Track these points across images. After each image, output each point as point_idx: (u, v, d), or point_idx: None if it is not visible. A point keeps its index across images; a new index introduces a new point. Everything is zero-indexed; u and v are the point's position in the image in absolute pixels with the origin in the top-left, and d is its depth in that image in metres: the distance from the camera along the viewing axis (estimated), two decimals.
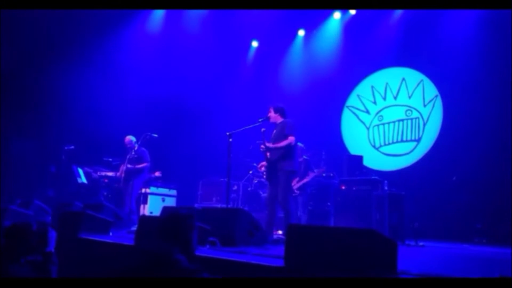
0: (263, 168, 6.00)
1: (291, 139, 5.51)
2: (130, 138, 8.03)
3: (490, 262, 4.31)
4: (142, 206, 8.23)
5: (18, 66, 8.61)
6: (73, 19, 8.60)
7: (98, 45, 9.18)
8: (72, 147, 8.54)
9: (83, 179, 8.55)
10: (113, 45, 9.44)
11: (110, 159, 8.63)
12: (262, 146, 5.67)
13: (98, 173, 8.67)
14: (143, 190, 8.41)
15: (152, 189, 8.49)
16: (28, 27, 8.44)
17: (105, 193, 8.59)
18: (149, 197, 8.41)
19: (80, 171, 8.58)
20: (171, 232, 2.34)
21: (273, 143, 5.66)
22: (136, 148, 7.82)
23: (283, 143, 5.52)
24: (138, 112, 9.42)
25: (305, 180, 7.52)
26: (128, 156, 7.79)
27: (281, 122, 5.79)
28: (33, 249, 2.91)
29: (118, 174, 8.07)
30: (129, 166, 7.70)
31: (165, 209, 5.46)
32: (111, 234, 5.12)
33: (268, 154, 5.66)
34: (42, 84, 8.79)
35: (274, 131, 5.82)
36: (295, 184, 7.57)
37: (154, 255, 2.20)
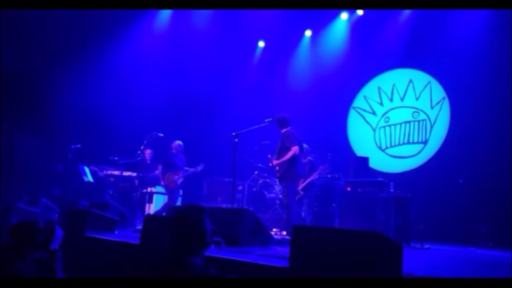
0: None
1: (294, 149, 5.90)
2: (180, 143, 8.32)
3: (495, 265, 4.28)
4: (147, 205, 8.27)
5: (25, 66, 8.67)
6: (78, 19, 8.64)
7: (104, 44, 9.22)
8: (79, 145, 8.59)
9: (89, 178, 8.60)
10: (120, 44, 9.48)
11: (116, 158, 8.67)
12: (270, 163, 6.30)
13: (104, 172, 8.72)
14: (149, 189, 8.45)
15: (158, 189, 8.52)
16: (34, 27, 8.49)
17: (111, 192, 8.64)
18: (155, 196, 8.44)
19: (86, 169, 8.63)
20: (186, 232, 2.21)
21: (277, 155, 6.09)
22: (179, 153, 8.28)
23: (287, 156, 5.91)
24: (144, 111, 9.46)
25: (308, 180, 7.49)
26: (176, 161, 8.20)
27: (281, 134, 6.14)
28: (39, 246, 2.93)
29: (174, 179, 8.17)
30: (190, 169, 8.25)
31: (170, 208, 5.48)
32: (116, 232, 5.14)
33: (277, 167, 6.13)
34: (48, 83, 8.85)
35: (279, 142, 6.23)
36: (299, 185, 7.58)
37: (167, 257, 2.15)
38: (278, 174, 6.16)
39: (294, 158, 5.92)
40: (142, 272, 2.10)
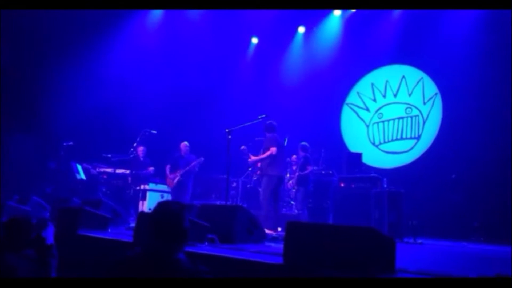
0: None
1: (272, 150, 6.37)
2: (186, 143, 8.34)
3: (487, 260, 4.31)
4: (141, 202, 8.23)
5: (18, 63, 8.58)
6: (73, 17, 8.56)
7: (97, 42, 9.15)
8: (71, 143, 8.53)
9: (81, 175, 8.55)
10: (112, 42, 9.41)
11: (109, 155, 8.63)
12: (249, 159, 6.87)
13: (97, 170, 8.67)
14: (142, 187, 8.41)
15: (151, 186, 8.49)
16: (28, 25, 8.40)
17: (103, 190, 8.59)
18: (148, 193, 8.39)
19: (79, 167, 8.58)
20: (165, 228, 2.10)
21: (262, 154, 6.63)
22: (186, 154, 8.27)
23: (265, 155, 6.45)
24: (137, 109, 9.40)
25: (297, 174, 7.54)
26: (180, 162, 8.18)
27: (266, 137, 6.62)
28: (31, 243, 2.89)
29: (173, 178, 8.16)
30: (186, 168, 8.14)
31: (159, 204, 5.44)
32: (109, 230, 5.11)
33: (258, 164, 6.73)
34: (41, 80, 8.77)
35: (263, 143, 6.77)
36: (291, 182, 7.68)
37: (152, 255, 2.06)
38: (258, 172, 6.82)
39: (273, 158, 6.36)
40: (124, 271, 2.04)
